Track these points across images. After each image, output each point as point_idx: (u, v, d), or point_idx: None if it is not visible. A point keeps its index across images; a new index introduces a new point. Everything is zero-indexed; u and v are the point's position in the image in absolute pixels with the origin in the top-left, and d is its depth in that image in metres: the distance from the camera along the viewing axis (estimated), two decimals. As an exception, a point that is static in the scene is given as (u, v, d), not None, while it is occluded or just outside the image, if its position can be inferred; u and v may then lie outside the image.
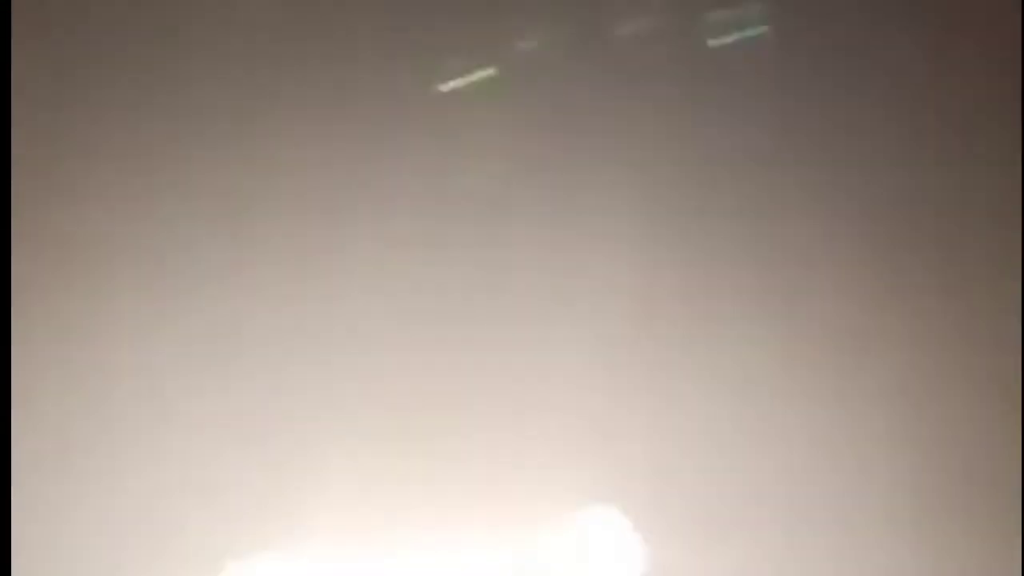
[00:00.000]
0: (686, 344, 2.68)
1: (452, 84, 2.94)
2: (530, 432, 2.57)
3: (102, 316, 2.47)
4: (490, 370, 2.65)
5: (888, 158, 2.97)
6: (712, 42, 3.06)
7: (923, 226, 2.95)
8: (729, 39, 3.04)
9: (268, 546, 2.48)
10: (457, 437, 2.54)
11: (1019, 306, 2.61)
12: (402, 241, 2.82)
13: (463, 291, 2.68)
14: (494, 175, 2.87)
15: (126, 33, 2.64)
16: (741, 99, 3.00)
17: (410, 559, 2.55)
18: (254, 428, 2.42)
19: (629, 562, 2.58)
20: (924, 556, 2.56)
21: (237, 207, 2.72)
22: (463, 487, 2.56)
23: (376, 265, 2.76)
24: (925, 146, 2.94)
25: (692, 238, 2.81)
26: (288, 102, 2.70)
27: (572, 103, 2.95)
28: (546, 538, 2.63)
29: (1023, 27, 2.61)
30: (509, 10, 3.04)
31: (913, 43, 2.93)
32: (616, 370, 2.74)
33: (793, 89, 3.09)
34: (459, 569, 2.42)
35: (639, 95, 2.96)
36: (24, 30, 2.57)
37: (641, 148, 2.90)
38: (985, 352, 2.69)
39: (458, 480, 2.56)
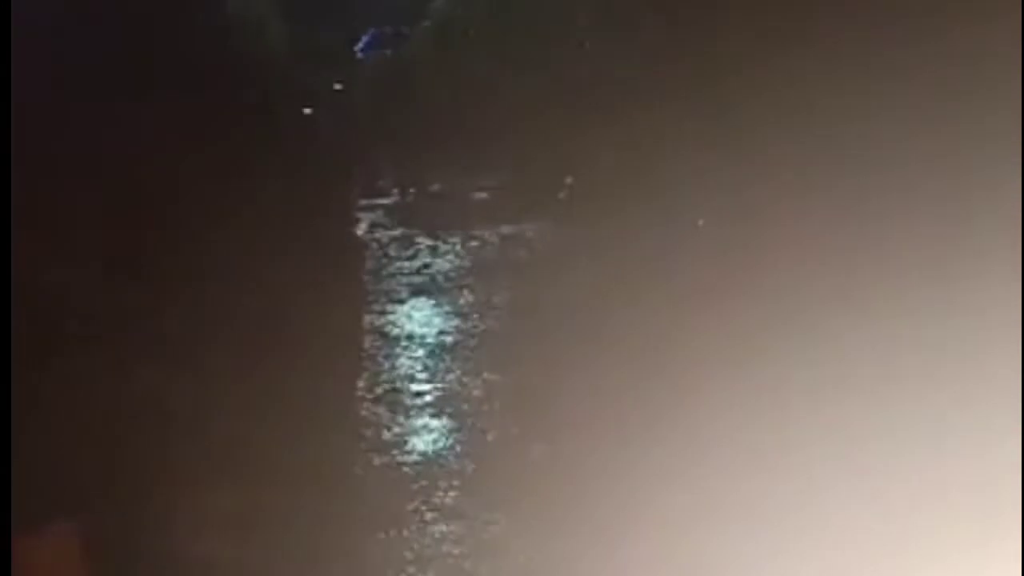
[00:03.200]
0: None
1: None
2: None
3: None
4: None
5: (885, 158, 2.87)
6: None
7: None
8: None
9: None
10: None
11: (1019, 305, 2.50)
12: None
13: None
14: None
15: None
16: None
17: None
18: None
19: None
20: (924, 556, 2.48)
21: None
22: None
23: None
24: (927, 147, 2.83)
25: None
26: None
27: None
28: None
29: (1023, 27, 2.49)
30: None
31: (915, 45, 2.86)
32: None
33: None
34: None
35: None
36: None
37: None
38: (985, 352, 2.59)
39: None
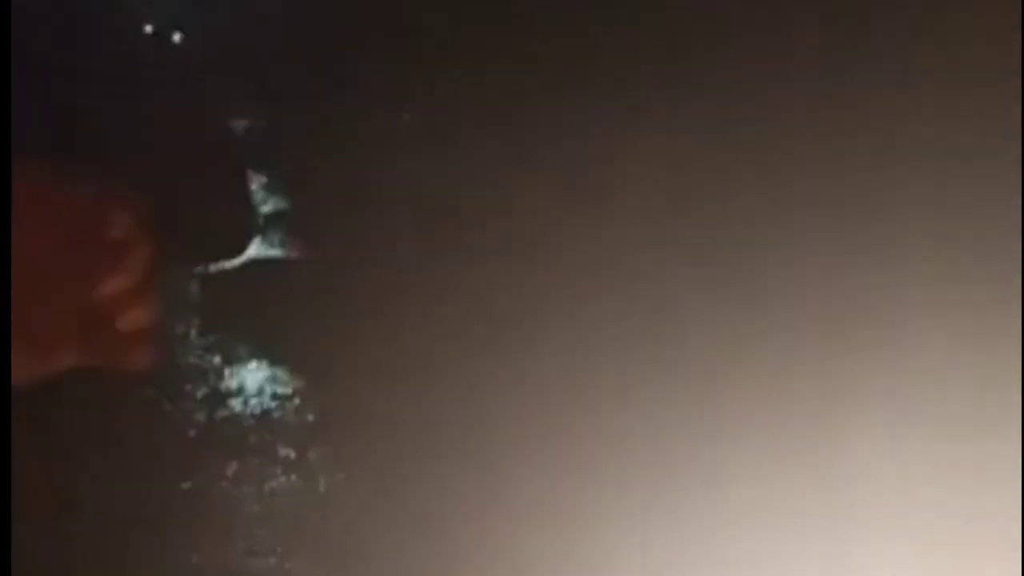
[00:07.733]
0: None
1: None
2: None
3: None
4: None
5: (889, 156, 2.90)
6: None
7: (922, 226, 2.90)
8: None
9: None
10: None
11: (1019, 305, 2.53)
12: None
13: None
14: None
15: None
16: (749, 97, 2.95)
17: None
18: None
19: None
20: (925, 558, 2.51)
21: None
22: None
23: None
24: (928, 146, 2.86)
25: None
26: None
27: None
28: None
29: (1023, 27, 2.51)
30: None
31: (915, 45, 2.86)
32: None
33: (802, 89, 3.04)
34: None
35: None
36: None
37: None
38: (986, 352, 2.62)
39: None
